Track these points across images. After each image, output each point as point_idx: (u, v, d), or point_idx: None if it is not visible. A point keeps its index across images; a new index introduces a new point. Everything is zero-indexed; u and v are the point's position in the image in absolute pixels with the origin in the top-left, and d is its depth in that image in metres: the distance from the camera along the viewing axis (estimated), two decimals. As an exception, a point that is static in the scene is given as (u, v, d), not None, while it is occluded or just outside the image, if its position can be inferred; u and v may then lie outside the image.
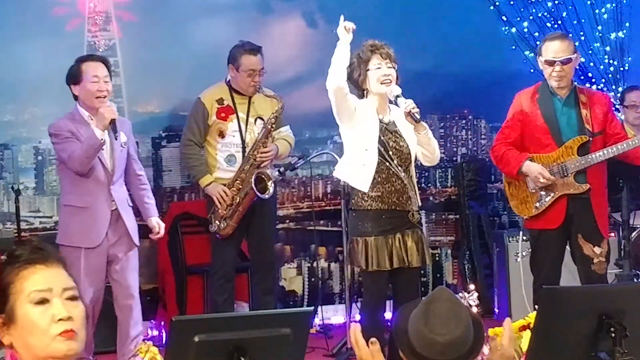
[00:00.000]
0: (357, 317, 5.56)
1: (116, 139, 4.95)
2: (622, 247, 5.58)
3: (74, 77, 4.97)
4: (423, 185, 7.09)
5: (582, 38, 7.14)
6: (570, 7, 7.16)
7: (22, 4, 6.43)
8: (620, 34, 7.20)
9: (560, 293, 2.68)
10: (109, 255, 4.98)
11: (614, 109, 5.65)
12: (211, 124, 5.63)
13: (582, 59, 6.95)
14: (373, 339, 2.30)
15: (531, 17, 7.19)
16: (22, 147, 6.48)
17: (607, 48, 7.20)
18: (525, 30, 7.18)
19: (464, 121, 7.42)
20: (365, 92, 4.75)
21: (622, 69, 7.20)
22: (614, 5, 7.19)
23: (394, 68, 4.72)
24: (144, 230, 5.33)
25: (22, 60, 6.32)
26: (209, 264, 5.79)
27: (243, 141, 5.63)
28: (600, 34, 7.20)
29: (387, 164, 4.68)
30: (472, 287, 4.70)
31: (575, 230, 5.02)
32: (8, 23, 6.37)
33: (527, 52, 7.02)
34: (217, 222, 5.53)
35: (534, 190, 5.08)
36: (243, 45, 5.60)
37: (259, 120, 5.66)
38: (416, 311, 2.24)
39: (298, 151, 6.37)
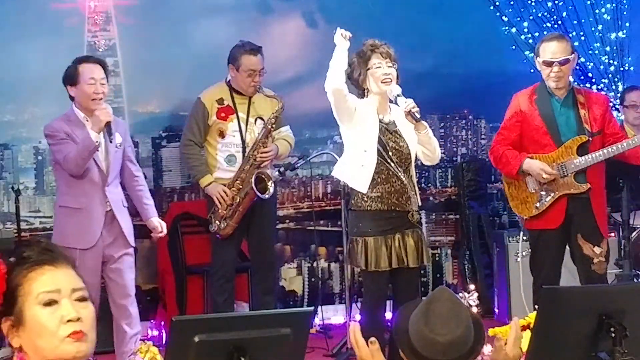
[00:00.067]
0: (357, 317, 5.56)
1: (111, 142, 4.96)
2: (622, 247, 5.58)
3: (70, 78, 4.98)
4: (423, 185, 7.09)
5: (582, 38, 7.14)
6: (570, 7, 7.15)
7: (22, 3, 6.43)
8: (620, 34, 7.20)
9: (560, 293, 2.68)
10: (104, 255, 4.98)
11: (613, 109, 5.66)
12: (211, 124, 5.63)
13: (582, 59, 6.96)
14: (373, 339, 2.30)
15: (531, 17, 7.19)
16: (22, 147, 6.48)
17: (607, 48, 7.20)
18: (525, 30, 7.18)
19: (464, 121, 7.42)
20: (365, 91, 4.76)
21: (622, 69, 7.20)
22: (614, 5, 7.18)
23: (394, 67, 4.72)
24: (144, 230, 5.33)
25: (22, 60, 6.32)
26: (209, 264, 5.79)
27: (243, 141, 5.63)
28: (600, 34, 7.20)
29: (387, 164, 4.68)
30: (472, 287, 4.71)
31: (575, 230, 5.02)
32: (8, 23, 6.37)
33: (527, 52, 7.02)
34: (217, 222, 5.53)
35: (533, 191, 5.09)
36: (243, 45, 5.60)
37: (259, 120, 5.66)
38: (417, 311, 2.24)
39: (298, 151, 6.38)
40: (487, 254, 7.01)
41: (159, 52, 6.62)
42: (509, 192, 5.21)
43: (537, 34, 7.04)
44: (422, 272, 6.74)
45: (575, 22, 7.15)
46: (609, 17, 7.19)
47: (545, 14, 7.17)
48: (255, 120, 5.67)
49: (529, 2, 7.19)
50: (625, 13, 7.20)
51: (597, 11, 7.19)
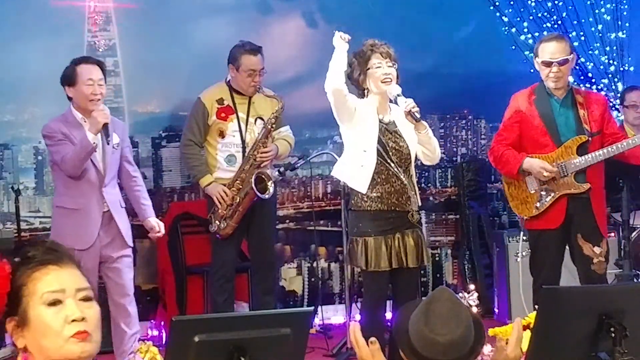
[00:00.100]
0: (357, 317, 5.56)
1: (108, 143, 4.96)
2: (622, 247, 5.58)
3: (68, 78, 4.98)
4: (423, 185, 7.09)
5: (582, 38, 7.15)
6: (570, 7, 7.16)
7: (22, 3, 6.43)
8: (620, 34, 7.20)
9: (560, 293, 2.68)
10: (102, 256, 4.99)
11: (613, 109, 5.65)
12: (211, 124, 5.63)
13: (582, 59, 6.96)
14: (373, 339, 2.30)
15: (531, 17, 7.19)
16: (22, 147, 6.48)
17: (607, 48, 7.20)
18: (525, 30, 7.18)
19: (464, 121, 7.42)
20: (365, 91, 4.76)
21: (622, 69, 7.20)
22: (614, 5, 7.19)
23: (394, 67, 4.72)
24: (144, 230, 5.33)
25: (22, 60, 6.31)
26: (209, 264, 5.79)
27: (243, 141, 5.63)
28: (600, 34, 7.20)
29: (387, 164, 4.68)
30: (472, 287, 4.70)
31: (575, 230, 5.02)
32: (8, 22, 6.36)
33: (527, 52, 7.01)
34: (217, 222, 5.53)
35: (533, 191, 5.09)
36: (243, 45, 5.60)
37: (259, 120, 5.66)
38: (417, 311, 2.24)
39: (298, 151, 6.37)
40: (487, 254, 7.01)
41: (159, 52, 6.62)
42: (509, 192, 5.21)
43: (537, 34, 7.04)
44: (422, 272, 6.74)
45: (575, 22, 7.15)
46: (608, 17, 7.20)
47: (545, 14, 7.17)
48: (255, 120, 5.67)
49: (529, 2, 7.19)
50: (625, 13, 7.21)
51: (597, 11, 7.19)
